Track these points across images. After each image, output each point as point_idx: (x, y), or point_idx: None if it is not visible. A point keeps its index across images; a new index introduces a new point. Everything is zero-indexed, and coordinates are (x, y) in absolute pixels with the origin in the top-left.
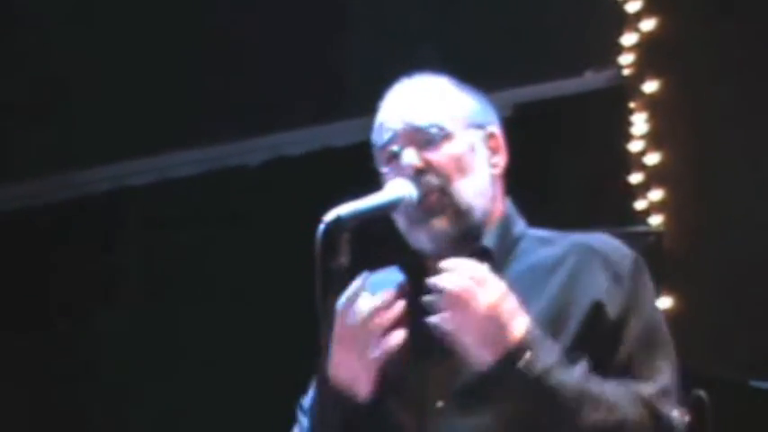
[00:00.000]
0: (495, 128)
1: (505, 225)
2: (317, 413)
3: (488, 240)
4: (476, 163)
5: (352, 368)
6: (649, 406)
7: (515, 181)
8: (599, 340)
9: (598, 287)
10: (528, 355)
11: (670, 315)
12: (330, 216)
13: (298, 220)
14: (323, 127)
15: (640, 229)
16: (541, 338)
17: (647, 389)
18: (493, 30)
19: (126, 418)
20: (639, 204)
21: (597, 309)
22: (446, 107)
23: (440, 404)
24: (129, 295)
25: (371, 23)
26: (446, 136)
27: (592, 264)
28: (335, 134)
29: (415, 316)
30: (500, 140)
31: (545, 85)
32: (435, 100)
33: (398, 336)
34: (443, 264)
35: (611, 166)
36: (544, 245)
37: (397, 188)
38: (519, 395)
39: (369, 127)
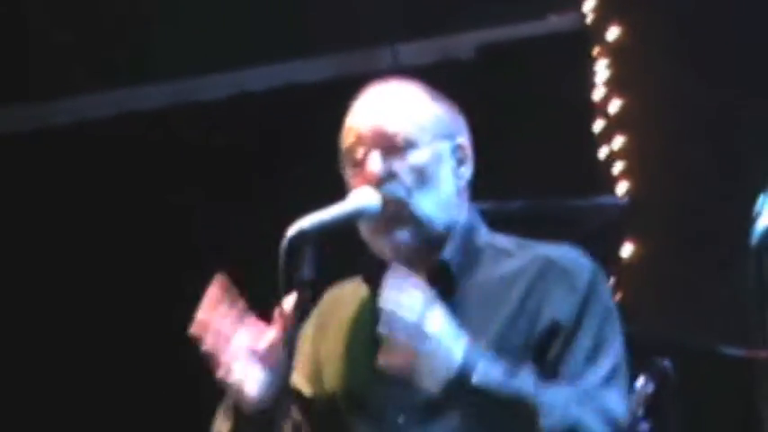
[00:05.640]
0: (464, 139)
1: (467, 236)
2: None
3: (449, 252)
4: (440, 174)
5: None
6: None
7: (475, 126)
8: (551, 350)
9: (554, 303)
10: (473, 375)
11: (632, 263)
12: (293, 229)
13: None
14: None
15: (605, 200)
16: (482, 355)
17: (591, 380)
18: None
19: None
20: (602, 152)
21: (552, 325)
22: (415, 116)
23: (401, 419)
24: None
25: None
26: (412, 145)
27: (550, 277)
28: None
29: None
30: (468, 151)
31: (508, 28)
32: (405, 108)
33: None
34: (383, 303)
35: (574, 115)
36: (505, 257)
37: (359, 198)
38: (473, 409)
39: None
